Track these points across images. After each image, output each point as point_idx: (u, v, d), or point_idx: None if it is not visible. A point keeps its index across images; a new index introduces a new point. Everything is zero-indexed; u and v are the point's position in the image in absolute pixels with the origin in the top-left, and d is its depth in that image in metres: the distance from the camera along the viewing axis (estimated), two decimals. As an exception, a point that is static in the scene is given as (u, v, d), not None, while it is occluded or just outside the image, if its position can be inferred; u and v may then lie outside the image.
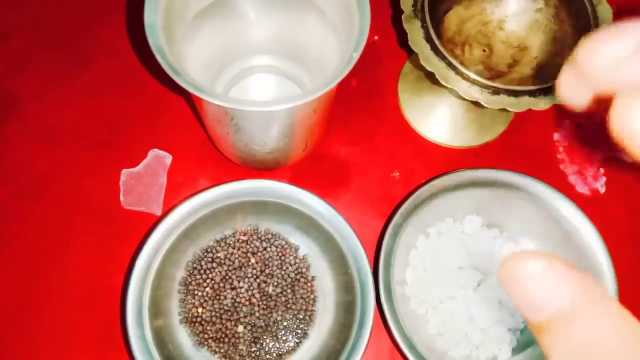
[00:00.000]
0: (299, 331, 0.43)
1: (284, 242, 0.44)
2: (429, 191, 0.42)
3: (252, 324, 0.42)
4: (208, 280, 0.42)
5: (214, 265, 0.43)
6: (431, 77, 0.41)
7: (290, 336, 0.43)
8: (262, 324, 0.42)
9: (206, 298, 0.42)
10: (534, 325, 0.14)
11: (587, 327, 0.13)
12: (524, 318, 0.14)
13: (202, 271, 0.43)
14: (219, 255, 0.43)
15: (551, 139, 0.51)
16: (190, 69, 0.39)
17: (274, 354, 0.42)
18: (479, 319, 0.41)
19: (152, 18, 0.34)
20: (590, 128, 0.51)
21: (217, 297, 0.42)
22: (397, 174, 0.49)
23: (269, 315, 0.42)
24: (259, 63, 0.48)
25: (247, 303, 0.42)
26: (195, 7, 0.39)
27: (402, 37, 0.42)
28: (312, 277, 0.44)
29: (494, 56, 0.46)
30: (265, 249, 0.44)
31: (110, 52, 0.51)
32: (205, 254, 0.43)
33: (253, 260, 0.43)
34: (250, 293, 0.42)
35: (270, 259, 0.43)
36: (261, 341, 0.42)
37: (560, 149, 0.51)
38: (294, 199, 0.41)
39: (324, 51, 0.42)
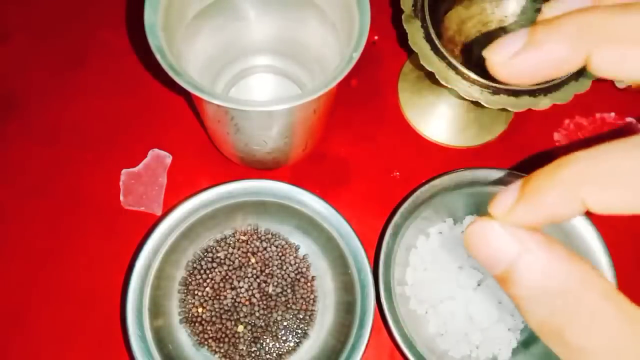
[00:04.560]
0: (299, 331, 0.43)
1: (284, 242, 0.44)
2: (429, 191, 0.42)
3: (252, 324, 0.42)
4: (208, 280, 0.42)
5: (214, 265, 0.43)
6: (431, 77, 0.41)
7: (290, 336, 0.43)
8: (262, 324, 0.42)
9: (206, 298, 0.42)
10: (498, 279, 0.15)
11: (538, 272, 0.14)
12: (491, 274, 0.16)
13: (202, 271, 0.43)
14: (219, 255, 0.43)
15: (551, 139, 0.51)
16: (191, 69, 0.39)
17: (274, 354, 0.42)
18: (479, 319, 0.41)
19: (152, 18, 0.34)
20: (590, 128, 0.51)
21: (217, 297, 0.42)
22: (397, 174, 0.49)
23: (269, 315, 0.42)
24: (259, 63, 0.48)
25: (247, 303, 0.42)
26: (195, 7, 0.39)
27: (402, 37, 0.42)
28: (312, 277, 0.44)
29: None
30: (265, 248, 0.44)
31: (110, 52, 0.51)
32: (205, 253, 0.43)
33: (253, 260, 0.43)
34: (250, 293, 0.42)
35: (270, 259, 0.43)
36: (261, 341, 0.42)
37: (561, 149, 0.51)
38: (294, 199, 0.41)
39: (324, 51, 0.42)
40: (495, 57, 0.16)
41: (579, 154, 0.14)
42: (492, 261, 0.15)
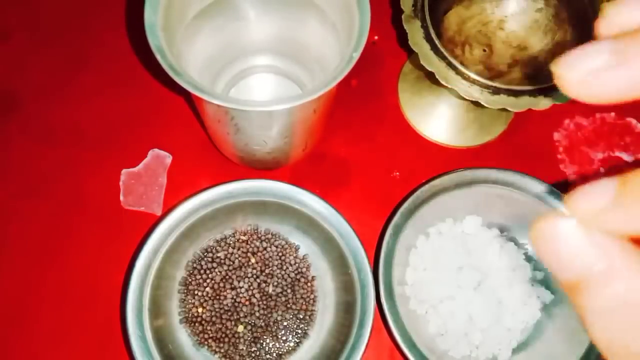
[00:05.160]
0: (299, 331, 0.43)
1: (284, 242, 0.44)
2: (429, 191, 0.42)
3: (252, 324, 0.42)
4: (208, 280, 0.42)
5: (214, 265, 0.43)
6: (431, 77, 0.41)
7: (290, 336, 0.43)
8: (262, 324, 0.42)
9: (206, 298, 0.42)
10: (565, 285, 0.14)
11: (621, 286, 0.13)
12: (556, 277, 0.14)
13: (202, 271, 0.43)
14: (219, 255, 0.43)
15: (551, 139, 0.51)
16: (191, 69, 0.40)
17: (274, 354, 0.42)
18: (479, 319, 0.41)
19: (152, 18, 0.34)
20: (590, 128, 0.51)
21: (217, 297, 0.42)
22: (397, 174, 0.49)
23: (269, 315, 0.42)
24: (259, 63, 0.48)
25: (247, 303, 0.42)
26: (195, 7, 0.39)
27: (402, 37, 0.42)
28: (312, 277, 0.44)
29: (494, 56, 0.46)
30: (265, 248, 0.44)
31: (110, 52, 0.51)
32: (205, 253, 0.43)
33: (253, 260, 0.43)
34: (250, 293, 0.42)
35: (270, 259, 0.43)
36: (261, 341, 0.42)
37: (560, 149, 0.51)
38: (294, 199, 0.41)
39: (324, 51, 0.42)
40: (571, 73, 0.14)
41: None
42: (563, 266, 0.13)
